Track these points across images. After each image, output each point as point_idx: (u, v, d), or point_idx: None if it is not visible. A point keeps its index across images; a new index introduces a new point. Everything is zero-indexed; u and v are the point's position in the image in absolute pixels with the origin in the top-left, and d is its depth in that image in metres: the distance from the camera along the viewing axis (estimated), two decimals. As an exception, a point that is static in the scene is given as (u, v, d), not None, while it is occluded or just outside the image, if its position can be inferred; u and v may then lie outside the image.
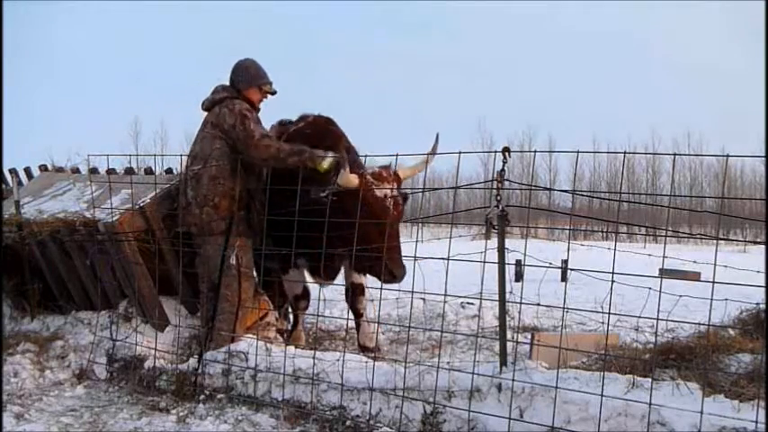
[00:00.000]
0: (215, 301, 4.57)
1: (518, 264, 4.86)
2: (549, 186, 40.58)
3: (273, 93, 4.86)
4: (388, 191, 4.31)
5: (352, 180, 4.23)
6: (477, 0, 76.01)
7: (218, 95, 4.71)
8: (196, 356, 4.35)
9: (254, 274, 4.87)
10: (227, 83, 4.78)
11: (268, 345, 4.22)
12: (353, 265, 4.75)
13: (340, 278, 5.29)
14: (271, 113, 5.12)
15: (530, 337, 4.46)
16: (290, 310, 5.67)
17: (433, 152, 4.61)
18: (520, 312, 5.37)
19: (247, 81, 4.73)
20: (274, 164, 4.54)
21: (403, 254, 4.29)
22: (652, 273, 3.69)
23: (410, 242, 4.41)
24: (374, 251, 4.20)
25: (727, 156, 3.17)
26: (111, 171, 5.37)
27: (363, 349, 5.05)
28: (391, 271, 4.22)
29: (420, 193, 4.72)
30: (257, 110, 4.79)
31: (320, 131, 4.94)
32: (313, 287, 5.37)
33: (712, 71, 68.79)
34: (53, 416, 3.90)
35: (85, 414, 3.96)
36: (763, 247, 4.19)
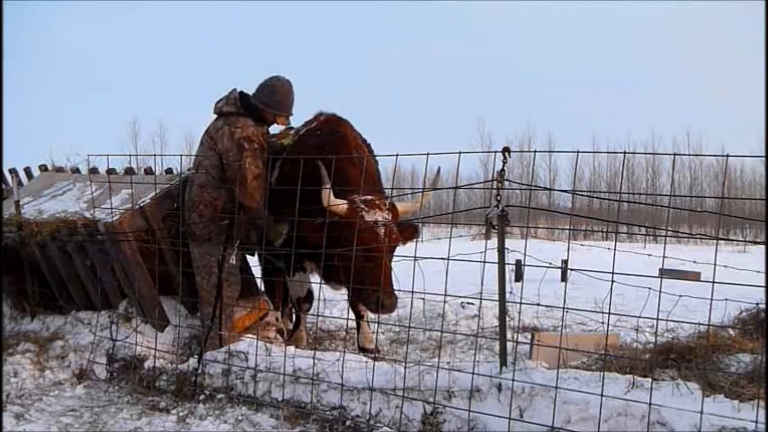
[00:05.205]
0: (203, 304, 4.66)
1: (518, 264, 4.86)
2: (548, 186, 40.59)
3: (287, 124, 4.85)
4: (379, 217, 4.23)
5: (339, 208, 4.23)
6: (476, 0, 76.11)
7: (227, 108, 4.67)
8: (196, 356, 4.36)
9: (241, 278, 4.88)
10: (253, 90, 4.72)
11: (268, 345, 4.23)
12: (350, 299, 4.66)
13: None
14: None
15: (530, 337, 4.47)
16: (293, 310, 5.68)
17: (433, 187, 4.56)
18: (520, 312, 5.35)
19: (267, 104, 4.69)
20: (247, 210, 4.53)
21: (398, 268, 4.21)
22: (652, 273, 3.70)
23: (410, 242, 4.43)
24: (364, 281, 4.11)
25: (727, 156, 3.17)
26: (110, 171, 5.37)
27: (363, 351, 5.05)
28: (381, 301, 4.10)
29: (420, 194, 4.68)
30: (269, 124, 4.81)
31: (331, 132, 4.89)
32: (315, 287, 5.37)
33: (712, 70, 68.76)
34: (53, 416, 3.90)
35: (85, 414, 3.96)
36: (763, 247, 4.18)
